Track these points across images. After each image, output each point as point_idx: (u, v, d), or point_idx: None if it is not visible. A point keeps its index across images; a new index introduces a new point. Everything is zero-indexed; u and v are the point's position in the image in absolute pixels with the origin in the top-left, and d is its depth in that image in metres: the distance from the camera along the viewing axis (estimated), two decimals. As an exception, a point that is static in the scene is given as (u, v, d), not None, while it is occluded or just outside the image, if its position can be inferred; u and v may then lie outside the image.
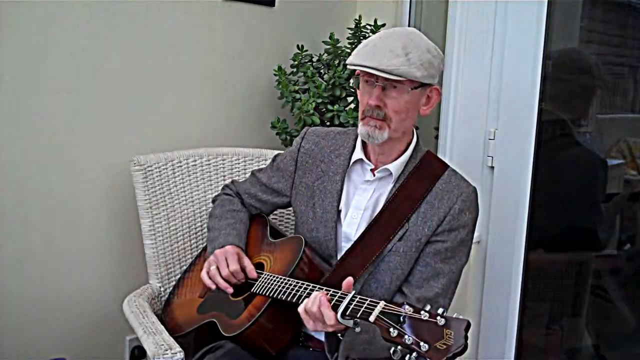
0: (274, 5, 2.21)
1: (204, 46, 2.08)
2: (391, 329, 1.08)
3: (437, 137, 2.17)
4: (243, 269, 1.50)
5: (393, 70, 1.32)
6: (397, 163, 1.47)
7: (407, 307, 1.09)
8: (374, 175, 1.49)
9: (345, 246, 1.49)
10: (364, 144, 1.52)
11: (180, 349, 1.41)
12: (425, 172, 1.47)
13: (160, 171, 1.80)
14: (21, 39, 1.72)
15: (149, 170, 1.77)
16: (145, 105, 1.98)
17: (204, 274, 1.52)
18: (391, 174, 1.48)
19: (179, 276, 1.80)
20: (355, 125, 1.95)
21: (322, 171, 1.55)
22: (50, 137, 1.82)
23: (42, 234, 1.84)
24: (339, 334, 1.29)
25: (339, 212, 1.51)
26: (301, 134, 1.63)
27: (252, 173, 1.72)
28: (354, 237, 1.47)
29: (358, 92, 1.45)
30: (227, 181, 1.84)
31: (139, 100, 1.96)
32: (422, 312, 1.07)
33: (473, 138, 2.02)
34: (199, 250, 1.84)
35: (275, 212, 1.81)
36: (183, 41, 2.02)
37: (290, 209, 1.74)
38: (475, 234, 1.52)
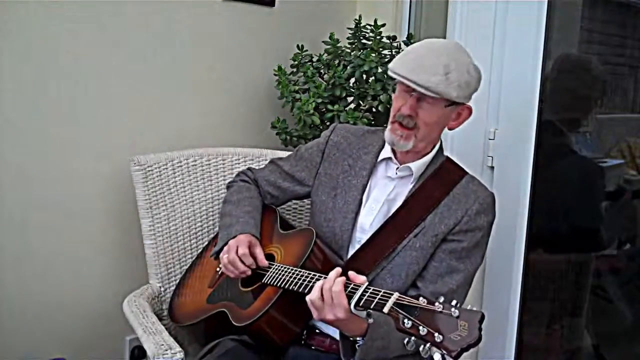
0: (274, 5, 2.21)
1: (204, 46, 2.08)
2: (405, 320, 1.08)
3: (437, 137, 2.16)
4: (254, 257, 1.51)
5: (430, 87, 1.35)
6: (419, 163, 1.50)
7: (421, 299, 1.10)
8: (397, 173, 1.52)
9: (358, 237, 1.51)
10: None
11: (180, 349, 1.40)
12: (444, 177, 1.50)
13: (160, 171, 1.80)
14: (21, 39, 1.72)
15: (149, 170, 1.77)
16: (145, 105, 1.98)
17: (224, 267, 1.51)
18: (411, 173, 1.50)
19: (180, 275, 1.80)
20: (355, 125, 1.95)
21: (349, 165, 1.57)
22: (50, 137, 1.82)
23: (42, 234, 1.84)
24: (353, 338, 1.29)
25: (360, 203, 1.52)
26: (330, 127, 1.66)
27: (272, 161, 1.73)
28: (368, 228, 1.50)
29: (393, 95, 1.47)
30: (242, 168, 1.83)
31: (139, 100, 1.96)
32: (437, 303, 1.07)
33: (473, 138, 2.02)
34: (200, 250, 1.84)
35: (283, 205, 1.80)
36: (183, 41, 2.02)
37: (301, 201, 1.72)
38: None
